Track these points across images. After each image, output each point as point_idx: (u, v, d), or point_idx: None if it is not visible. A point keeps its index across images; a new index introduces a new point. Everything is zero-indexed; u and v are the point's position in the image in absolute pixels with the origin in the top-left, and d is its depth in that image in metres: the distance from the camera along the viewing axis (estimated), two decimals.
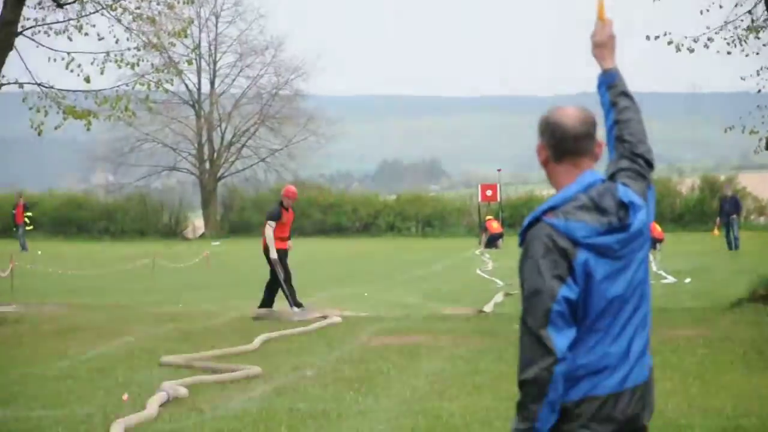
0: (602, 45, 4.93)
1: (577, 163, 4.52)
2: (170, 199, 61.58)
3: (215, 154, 62.65)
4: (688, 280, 28.51)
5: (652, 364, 4.61)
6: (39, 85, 18.86)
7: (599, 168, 4.61)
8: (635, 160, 4.72)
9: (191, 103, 62.36)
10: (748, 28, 20.88)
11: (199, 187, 62.33)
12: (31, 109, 18.88)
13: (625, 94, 4.93)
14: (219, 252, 45.41)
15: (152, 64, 20.06)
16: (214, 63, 62.58)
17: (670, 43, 20.59)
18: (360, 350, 15.87)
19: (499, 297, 25.09)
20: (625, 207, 4.43)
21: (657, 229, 44.15)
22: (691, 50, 20.69)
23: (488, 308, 22.29)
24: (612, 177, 4.63)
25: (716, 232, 45.24)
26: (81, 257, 44.68)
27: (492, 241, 47.23)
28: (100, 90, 19.10)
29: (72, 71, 18.79)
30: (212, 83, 62.76)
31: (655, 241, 43.28)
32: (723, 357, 14.26)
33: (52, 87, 18.92)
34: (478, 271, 33.96)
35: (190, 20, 21.18)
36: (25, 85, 18.89)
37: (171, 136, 62.44)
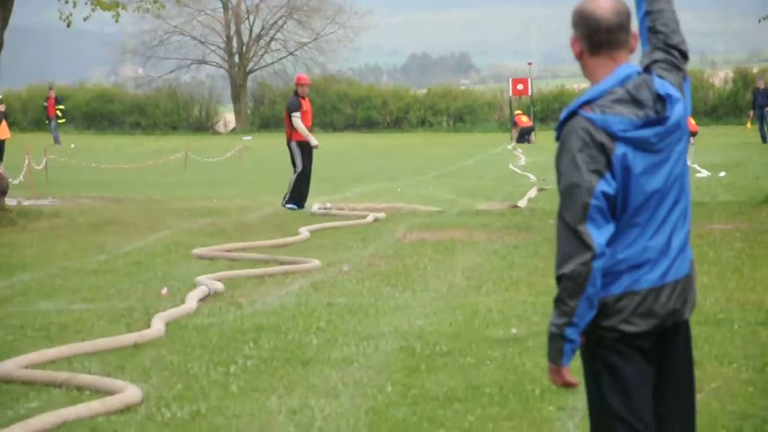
0: None
1: (613, 56, 4.44)
2: (200, 93, 61.37)
3: (244, 48, 62.26)
4: (722, 173, 28.39)
5: (693, 258, 4.59)
6: None
7: (634, 60, 4.56)
8: (670, 51, 4.65)
9: None
10: None
11: (229, 81, 62.07)
12: (59, 0, 18.77)
13: None
14: (251, 146, 45.46)
15: None
16: None
17: None
18: (395, 246, 15.90)
19: (532, 192, 25.09)
20: (662, 99, 4.38)
21: (691, 122, 43.92)
22: None
23: (522, 203, 22.27)
24: (647, 69, 4.54)
25: (749, 125, 44.96)
26: (113, 151, 44.81)
27: (523, 136, 47.05)
28: None
29: None
30: None
31: (689, 135, 43.15)
32: (760, 251, 14.22)
33: None
34: (511, 166, 33.89)
35: None
36: None
37: (199, 28, 62.04)
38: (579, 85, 61.14)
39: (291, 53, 63.13)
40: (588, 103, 4.37)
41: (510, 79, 52.58)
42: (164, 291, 12.49)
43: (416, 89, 62.65)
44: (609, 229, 4.34)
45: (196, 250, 15.32)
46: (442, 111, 57.77)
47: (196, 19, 59.86)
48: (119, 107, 59.70)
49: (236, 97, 60.80)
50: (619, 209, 4.38)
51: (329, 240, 16.67)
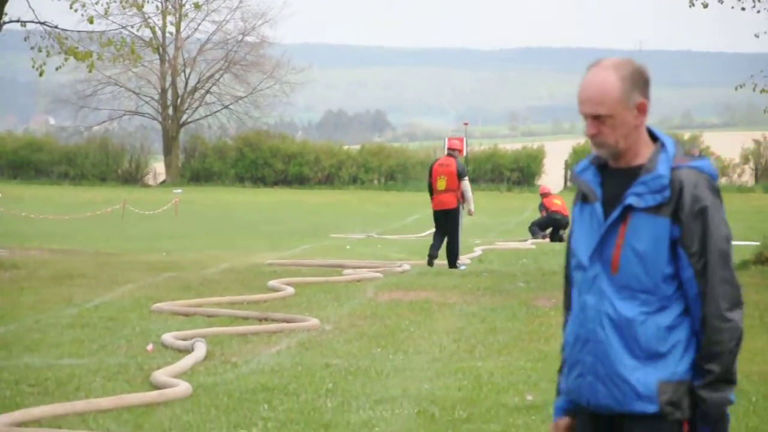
0: None
1: None
2: (131, 144, 60.65)
3: (179, 100, 61.83)
4: None
5: None
6: (42, 24, 18.46)
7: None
8: None
9: (156, 46, 61.37)
10: None
11: (161, 133, 61.56)
12: (32, 48, 18.48)
13: None
14: (184, 200, 45.05)
15: (157, 6, 19.65)
16: (180, 6, 61.22)
17: None
18: (370, 305, 15.73)
19: (478, 251, 25.25)
20: None
21: None
22: (705, 5, 20.50)
23: (467, 261, 22.39)
24: None
25: None
26: (42, 201, 44.18)
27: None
28: (104, 31, 18.80)
29: (76, 11, 18.50)
30: (177, 27, 61.71)
31: None
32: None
33: (56, 26, 18.54)
34: None
35: None
36: (27, 23, 18.48)
37: (134, 80, 61.52)
38: (511, 145, 61.43)
39: (226, 107, 62.81)
40: (674, 156, 4.23)
41: (446, 138, 52.45)
42: (149, 347, 12.24)
43: (345, 145, 62.33)
44: None
45: (162, 305, 15.03)
46: (374, 168, 57.45)
47: (131, 71, 59.28)
48: (48, 157, 58.65)
49: (168, 149, 60.23)
50: None
51: (301, 298, 16.46)
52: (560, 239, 28.95)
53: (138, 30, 18.62)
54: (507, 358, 11.90)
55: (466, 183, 21.13)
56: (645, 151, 4.23)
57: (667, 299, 4.19)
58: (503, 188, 55.00)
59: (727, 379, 4.15)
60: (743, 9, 20.82)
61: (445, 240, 21.24)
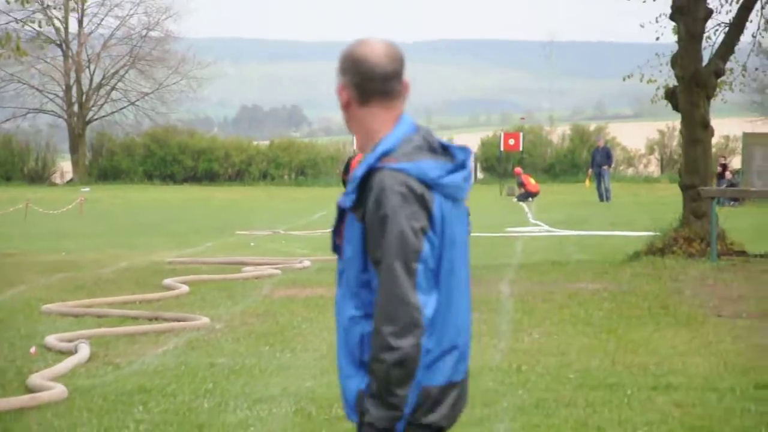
0: None
1: (388, 106, 4.02)
2: (37, 143, 59.79)
3: (84, 97, 61.06)
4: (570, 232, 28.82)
5: None
6: None
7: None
8: None
9: (59, 42, 60.58)
10: None
11: (67, 131, 60.77)
12: None
13: None
14: (90, 198, 44.51)
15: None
16: (82, 1, 60.48)
17: None
18: (264, 303, 15.64)
19: None
20: (444, 149, 4.04)
21: (531, 182, 44.36)
22: None
23: None
24: None
25: (588, 183, 45.68)
26: None
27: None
28: None
29: None
30: (80, 22, 60.96)
31: (529, 194, 43.53)
32: (629, 311, 14.34)
33: None
34: None
35: None
36: None
37: (37, 77, 60.66)
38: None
39: (132, 103, 62.20)
40: (387, 154, 3.96)
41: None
42: (32, 350, 12.05)
43: (258, 141, 61.95)
44: (435, 297, 3.94)
45: (52, 306, 14.81)
46: (284, 164, 57.16)
47: (34, 68, 58.49)
48: None
49: (74, 148, 59.43)
50: (437, 271, 3.97)
51: (195, 296, 16.31)
52: None
53: (34, 24, 18.20)
54: None
55: None
56: None
57: (369, 306, 3.96)
58: None
59: (387, 399, 3.86)
60: None
61: None
